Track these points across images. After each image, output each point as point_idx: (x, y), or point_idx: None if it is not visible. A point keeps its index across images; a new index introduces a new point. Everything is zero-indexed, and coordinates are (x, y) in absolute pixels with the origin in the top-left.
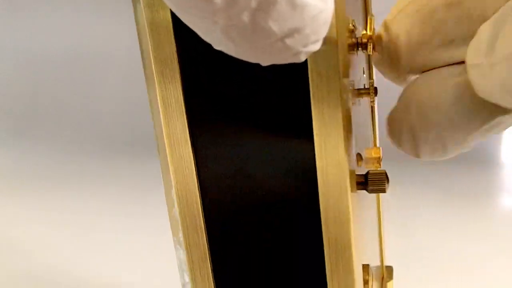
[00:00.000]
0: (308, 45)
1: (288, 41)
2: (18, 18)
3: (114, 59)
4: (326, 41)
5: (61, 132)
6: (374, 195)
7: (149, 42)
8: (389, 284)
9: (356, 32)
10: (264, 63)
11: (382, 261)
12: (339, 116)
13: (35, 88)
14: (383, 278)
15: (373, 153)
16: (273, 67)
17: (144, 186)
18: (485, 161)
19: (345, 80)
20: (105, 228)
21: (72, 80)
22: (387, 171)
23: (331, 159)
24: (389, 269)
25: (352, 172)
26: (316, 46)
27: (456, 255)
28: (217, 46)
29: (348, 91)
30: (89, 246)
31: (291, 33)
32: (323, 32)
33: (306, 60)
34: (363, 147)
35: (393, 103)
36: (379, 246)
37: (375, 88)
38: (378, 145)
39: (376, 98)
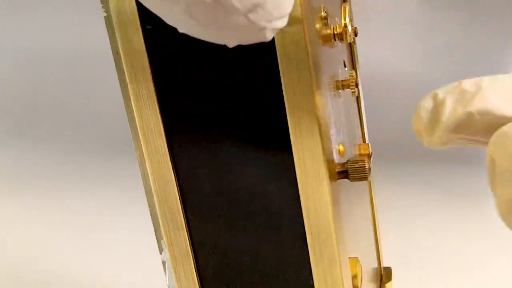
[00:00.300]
0: (273, 21)
1: (252, 16)
2: (18, 18)
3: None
4: (292, 21)
5: (61, 132)
6: (367, 192)
7: (117, 37)
8: (387, 285)
9: (332, 22)
10: (231, 43)
11: (379, 261)
12: (311, 101)
13: (35, 88)
14: (381, 279)
15: (362, 150)
16: (243, 52)
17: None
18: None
19: (317, 63)
20: (105, 228)
21: (72, 80)
22: (387, 171)
23: (307, 146)
24: (388, 270)
25: (330, 161)
26: (282, 23)
27: (456, 255)
28: (181, 29)
29: (321, 75)
30: (89, 246)
31: (254, 8)
32: (287, 7)
33: (274, 44)
34: (350, 142)
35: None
36: (376, 247)
37: (356, 79)
38: (367, 141)
39: (360, 90)
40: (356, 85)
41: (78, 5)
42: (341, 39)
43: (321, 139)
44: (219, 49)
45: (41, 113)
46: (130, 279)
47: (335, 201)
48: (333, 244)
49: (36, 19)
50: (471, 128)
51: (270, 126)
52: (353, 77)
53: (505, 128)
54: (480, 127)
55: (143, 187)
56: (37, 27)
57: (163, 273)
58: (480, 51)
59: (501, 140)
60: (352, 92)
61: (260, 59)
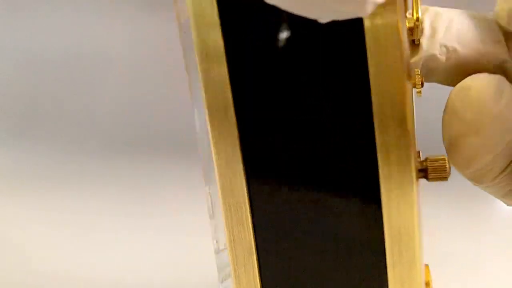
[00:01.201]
0: None
1: None
2: (18, 18)
3: (114, 59)
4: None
5: (61, 132)
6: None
7: (193, 37)
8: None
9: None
10: (324, 18)
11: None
12: (402, 88)
13: (35, 88)
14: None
15: None
16: (329, 43)
17: (144, 186)
18: None
19: (405, 52)
20: (105, 228)
21: (72, 80)
22: None
23: (392, 135)
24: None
25: (415, 156)
26: None
27: (459, 256)
28: None
29: (407, 66)
30: (89, 246)
31: None
32: None
33: (363, 27)
34: None
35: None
36: None
37: (422, 78)
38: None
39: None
40: (422, 85)
41: (78, 5)
42: (411, 34)
43: (410, 130)
44: (302, 28)
45: (41, 113)
46: (130, 279)
47: (418, 199)
48: (415, 246)
49: (36, 19)
50: (436, 66)
51: (352, 111)
52: (419, 76)
53: (467, 80)
54: (444, 66)
55: (143, 187)
56: (37, 27)
57: (163, 273)
58: None
59: (464, 93)
60: (418, 92)
61: (345, 32)
